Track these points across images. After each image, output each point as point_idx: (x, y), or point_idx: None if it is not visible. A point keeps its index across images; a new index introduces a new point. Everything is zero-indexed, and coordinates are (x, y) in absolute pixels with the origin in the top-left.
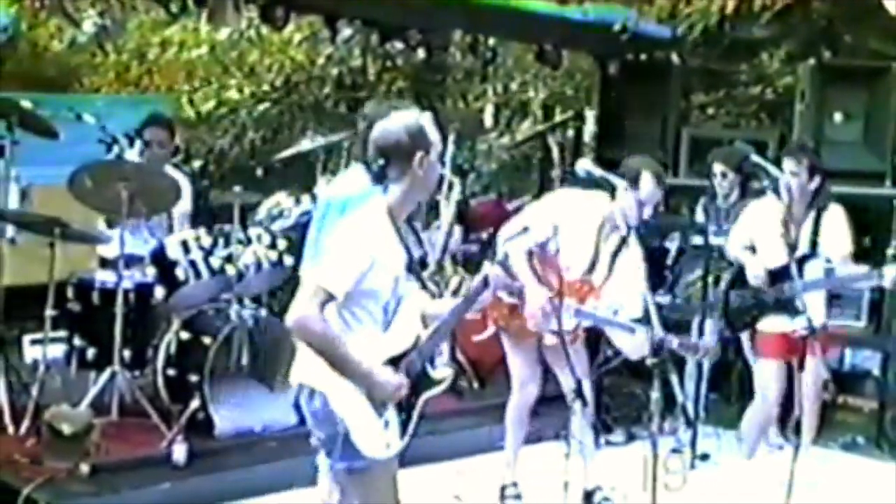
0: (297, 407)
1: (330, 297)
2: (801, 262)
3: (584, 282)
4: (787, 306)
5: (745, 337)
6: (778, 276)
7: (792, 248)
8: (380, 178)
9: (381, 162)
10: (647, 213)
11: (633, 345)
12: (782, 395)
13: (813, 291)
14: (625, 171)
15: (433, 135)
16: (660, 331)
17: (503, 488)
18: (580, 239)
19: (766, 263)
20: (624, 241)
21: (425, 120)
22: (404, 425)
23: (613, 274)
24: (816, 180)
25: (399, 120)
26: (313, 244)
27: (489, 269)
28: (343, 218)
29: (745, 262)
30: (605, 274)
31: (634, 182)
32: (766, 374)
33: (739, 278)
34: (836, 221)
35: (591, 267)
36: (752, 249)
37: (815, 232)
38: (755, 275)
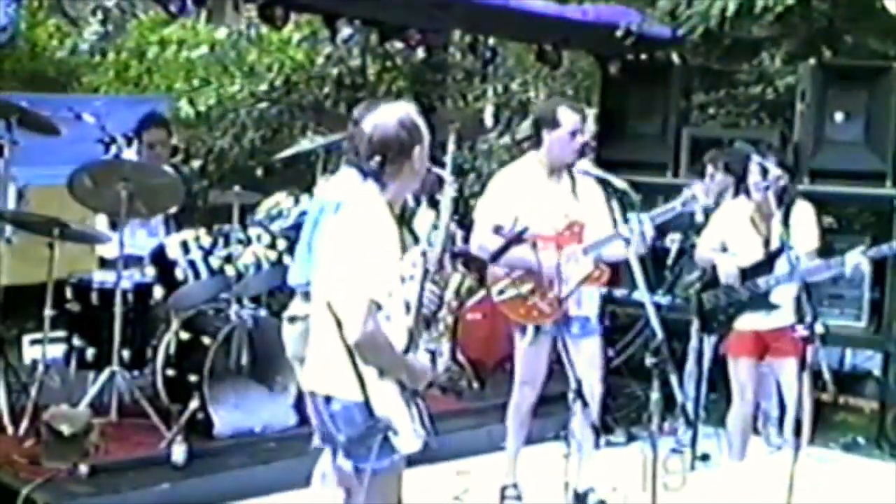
0: (297, 408)
1: (379, 307)
2: (775, 256)
3: (569, 231)
4: (763, 303)
5: None
6: (751, 273)
7: (766, 242)
8: (376, 175)
9: (378, 159)
10: (581, 140)
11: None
12: (758, 392)
13: (786, 284)
14: (542, 116)
15: (423, 125)
16: (659, 333)
17: (503, 489)
18: (541, 207)
19: (739, 262)
20: (572, 177)
21: (413, 111)
22: (420, 414)
23: (581, 209)
24: (785, 177)
25: (391, 115)
26: (306, 247)
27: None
28: (348, 222)
29: (717, 263)
30: (577, 213)
31: (554, 123)
32: (742, 373)
33: (711, 280)
34: (804, 217)
35: (569, 224)
36: (724, 250)
37: (786, 227)
38: (728, 274)
